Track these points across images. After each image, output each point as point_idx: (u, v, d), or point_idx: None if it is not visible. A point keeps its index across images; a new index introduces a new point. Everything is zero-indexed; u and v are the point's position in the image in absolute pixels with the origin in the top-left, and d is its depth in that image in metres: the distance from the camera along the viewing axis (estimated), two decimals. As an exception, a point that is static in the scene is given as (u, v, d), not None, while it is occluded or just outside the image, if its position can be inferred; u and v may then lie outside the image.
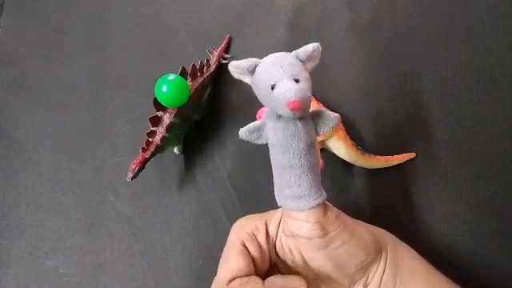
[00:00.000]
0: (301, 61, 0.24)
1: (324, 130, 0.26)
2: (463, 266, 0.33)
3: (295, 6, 0.41)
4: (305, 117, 0.24)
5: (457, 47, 0.38)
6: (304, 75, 0.24)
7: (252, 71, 0.25)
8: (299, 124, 0.24)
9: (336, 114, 0.25)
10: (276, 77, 0.23)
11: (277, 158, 0.25)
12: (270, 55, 0.25)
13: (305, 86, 0.23)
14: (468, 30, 0.38)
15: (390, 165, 0.35)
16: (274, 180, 0.26)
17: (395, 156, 0.35)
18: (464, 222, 0.34)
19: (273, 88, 0.23)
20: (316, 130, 0.25)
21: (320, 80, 0.39)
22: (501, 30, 0.37)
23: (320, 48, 0.24)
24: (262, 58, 0.41)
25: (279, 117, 0.24)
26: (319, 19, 0.41)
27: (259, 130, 0.26)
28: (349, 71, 0.39)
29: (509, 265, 0.33)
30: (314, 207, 0.25)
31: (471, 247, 0.34)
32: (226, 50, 0.41)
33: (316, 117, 0.25)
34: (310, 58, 0.24)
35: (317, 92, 0.37)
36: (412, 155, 0.36)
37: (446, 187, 0.35)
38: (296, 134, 0.24)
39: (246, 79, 0.25)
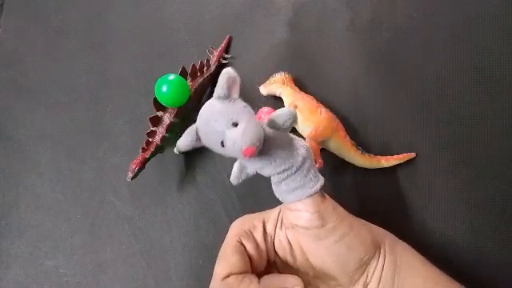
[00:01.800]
0: (226, 99, 0.24)
1: (286, 124, 0.25)
2: (463, 266, 0.33)
3: (295, 6, 0.41)
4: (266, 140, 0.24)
5: (457, 47, 0.38)
6: (238, 112, 0.23)
7: (198, 138, 0.25)
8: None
9: (286, 110, 0.25)
10: (218, 134, 0.23)
11: (268, 171, 0.25)
12: (199, 114, 0.25)
13: (246, 124, 0.23)
14: (468, 30, 0.38)
15: (390, 165, 0.35)
16: (271, 179, 0.26)
17: (395, 156, 0.35)
18: (464, 222, 0.34)
19: (223, 145, 0.23)
20: (281, 129, 0.25)
21: (320, 80, 0.39)
22: (501, 30, 0.37)
23: (231, 71, 0.24)
24: (262, 58, 0.41)
25: None
26: (319, 19, 0.41)
27: (243, 169, 0.26)
28: (349, 71, 0.39)
29: (509, 265, 0.33)
30: (311, 195, 0.25)
31: (471, 247, 0.34)
32: (226, 49, 0.41)
33: (274, 125, 0.25)
34: (230, 87, 0.24)
35: (317, 92, 0.37)
36: (412, 155, 0.36)
37: (446, 187, 0.35)
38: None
39: (200, 145, 0.25)
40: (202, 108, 0.25)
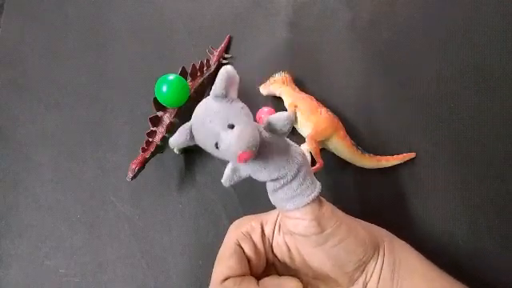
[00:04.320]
0: (223, 98, 0.23)
1: (283, 129, 0.24)
2: (463, 266, 0.33)
3: (295, 6, 0.41)
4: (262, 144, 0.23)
5: (457, 47, 0.38)
6: (235, 114, 0.22)
7: (192, 137, 0.24)
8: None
9: (284, 114, 0.24)
10: (212, 135, 0.22)
11: (261, 177, 0.25)
12: (194, 112, 0.24)
13: (242, 127, 0.22)
14: (468, 30, 0.38)
15: (390, 165, 0.35)
16: (267, 186, 0.26)
17: (395, 156, 0.35)
18: (464, 222, 0.34)
19: (217, 146, 0.22)
20: (278, 133, 0.24)
21: (320, 80, 0.39)
22: (501, 29, 0.37)
23: (229, 69, 0.23)
24: (262, 58, 0.41)
25: None
26: (319, 19, 0.41)
27: (235, 170, 0.25)
28: (349, 71, 0.39)
29: (509, 265, 0.33)
30: (308, 203, 0.25)
31: (471, 247, 0.34)
32: (226, 49, 0.41)
33: (272, 129, 0.24)
34: (228, 86, 0.23)
35: (317, 92, 0.37)
36: (412, 155, 0.36)
37: (446, 187, 0.35)
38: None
39: (193, 143, 0.24)
40: (198, 106, 0.24)
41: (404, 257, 0.27)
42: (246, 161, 0.21)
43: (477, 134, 0.36)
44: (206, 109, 0.23)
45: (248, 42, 0.41)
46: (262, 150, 0.23)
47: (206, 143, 0.23)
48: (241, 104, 0.23)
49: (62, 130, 0.42)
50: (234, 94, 0.23)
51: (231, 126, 0.22)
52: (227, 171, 0.25)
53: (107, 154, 0.40)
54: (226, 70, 0.22)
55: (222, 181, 0.26)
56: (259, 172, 0.24)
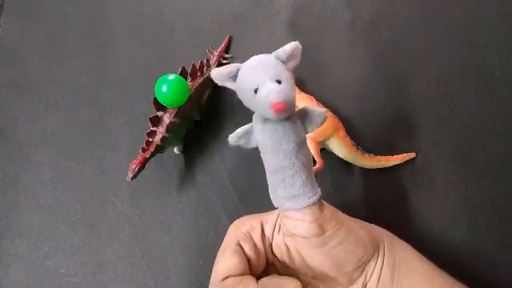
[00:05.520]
0: (282, 61, 0.24)
1: (312, 127, 0.26)
2: (463, 267, 0.33)
3: (295, 6, 0.41)
4: (292, 117, 0.24)
5: (457, 47, 0.38)
6: (285, 76, 0.23)
7: (234, 77, 0.24)
8: (287, 124, 0.24)
9: (321, 110, 0.25)
10: (258, 80, 0.23)
11: (268, 160, 0.25)
12: (251, 58, 0.25)
13: (287, 86, 0.23)
14: (468, 30, 0.38)
15: (390, 165, 0.35)
16: (268, 181, 0.26)
17: (395, 156, 0.35)
18: (464, 222, 0.34)
19: (256, 92, 0.23)
20: (304, 128, 0.25)
21: (320, 80, 0.39)
22: (501, 29, 0.37)
23: (299, 46, 0.24)
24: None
25: (266, 119, 0.24)
26: (319, 19, 0.41)
27: (248, 134, 0.26)
28: (349, 71, 0.39)
29: (509, 265, 0.33)
30: (309, 205, 0.25)
31: (471, 247, 0.34)
32: (226, 50, 0.41)
33: (303, 115, 0.25)
34: (290, 57, 0.24)
35: (317, 92, 0.37)
36: (412, 155, 0.36)
37: (445, 187, 0.35)
38: (285, 135, 0.24)
39: (231, 85, 0.25)
40: (256, 56, 0.25)
41: (404, 257, 0.27)
42: (279, 111, 0.22)
43: (477, 134, 0.36)
44: (263, 59, 0.24)
45: (248, 42, 0.41)
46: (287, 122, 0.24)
47: (246, 86, 0.24)
48: (291, 78, 0.24)
49: (61, 130, 0.42)
50: (290, 66, 0.24)
51: (278, 82, 0.23)
52: (240, 130, 0.26)
53: (107, 154, 0.40)
54: (296, 44, 0.24)
55: (229, 136, 0.26)
56: (267, 147, 0.25)
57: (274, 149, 0.24)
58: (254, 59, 0.24)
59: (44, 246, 0.39)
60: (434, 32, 0.38)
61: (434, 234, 0.35)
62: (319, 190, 0.26)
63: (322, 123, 0.26)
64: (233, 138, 0.26)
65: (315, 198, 0.25)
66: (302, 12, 0.41)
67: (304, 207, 0.24)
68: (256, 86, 0.23)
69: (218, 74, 0.25)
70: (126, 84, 0.42)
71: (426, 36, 0.38)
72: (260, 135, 0.25)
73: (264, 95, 0.22)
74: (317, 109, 0.26)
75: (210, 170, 0.38)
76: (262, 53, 0.25)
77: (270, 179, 0.26)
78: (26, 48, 0.45)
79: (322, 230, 0.25)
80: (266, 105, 0.22)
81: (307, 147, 0.26)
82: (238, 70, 0.24)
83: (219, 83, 0.25)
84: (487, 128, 0.36)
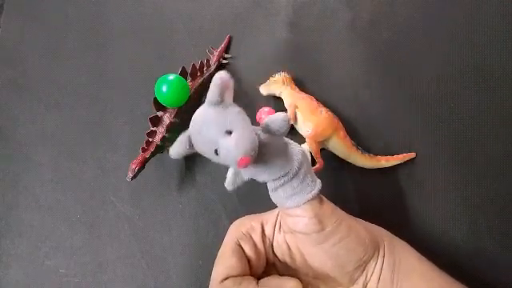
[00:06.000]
0: (219, 105, 0.23)
1: (281, 130, 0.24)
2: (463, 267, 0.33)
3: (295, 6, 0.41)
4: (263, 141, 0.24)
5: (457, 47, 0.38)
6: (232, 119, 0.22)
7: (191, 144, 0.24)
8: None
9: (280, 115, 0.24)
10: (211, 142, 0.22)
11: (263, 177, 0.25)
12: (191, 121, 0.24)
13: (239, 132, 0.22)
14: (468, 30, 0.38)
15: (390, 165, 0.35)
16: (267, 184, 0.26)
17: (395, 156, 0.35)
18: (464, 222, 0.34)
19: (216, 153, 0.22)
20: (276, 134, 0.24)
21: (320, 80, 0.39)
22: (501, 29, 0.37)
23: (224, 75, 0.22)
24: (261, 58, 0.41)
25: None
26: (319, 19, 0.41)
27: (237, 174, 0.26)
28: (349, 71, 0.39)
29: (509, 265, 0.33)
30: (309, 200, 0.25)
31: (471, 247, 0.34)
32: (226, 50, 0.41)
33: (268, 128, 0.24)
34: (222, 92, 0.22)
35: (317, 92, 0.37)
36: (412, 155, 0.36)
37: (445, 187, 0.35)
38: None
39: (195, 151, 0.24)
40: (195, 115, 0.24)
41: (404, 257, 0.27)
42: (245, 166, 0.22)
43: (477, 134, 0.36)
44: (202, 117, 0.23)
45: (248, 42, 0.41)
46: (261, 152, 0.23)
47: (205, 151, 0.23)
48: (237, 108, 0.23)
49: (61, 130, 0.42)
50: (229, 99, 0.23)
51: (229, 132, 0.22)
52: (229, 175, 0.26)
53: (107, 153, 0.40)
54: (220, 76, 0.22)
55: (226, 185, 0.26)
56: (260, 173, 0.25)
57: (265, 171, 0.24)
58: (196, 122, 0.23)
59: (44, 245, 0.39)
60: (434, 32, 0.38)
61: (433, 234, 0.35)
62: (319, 181, 0.26)
63: (284, 125, 0.24)
64: (229, 185, 0.26)
65: (314, 192, 0.25)
66: (302, 12, 0.41)
67: (303, 203, 0.25)
68: (214, 148, 0.22)
69: (177, 153, 0.25)
70: (126, 84, 0.42)
71: (426, 36, 0.38)
72: (245, 172, 0.25)
73: (224, 157, 0.22)
74: (277, 118, 0.24)
75: (209, 170, 0.38)
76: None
77: (269, 183, 0.26)
78: (26, 48, 0.45)
79: (321, 225, 0.25)
80: (232, 162, 0.22)
81: (294, 144, 0.26)
82: (189, 138, 0.24)
83: (180, 157, 0.25)
84: (487, 128, 0.36)
